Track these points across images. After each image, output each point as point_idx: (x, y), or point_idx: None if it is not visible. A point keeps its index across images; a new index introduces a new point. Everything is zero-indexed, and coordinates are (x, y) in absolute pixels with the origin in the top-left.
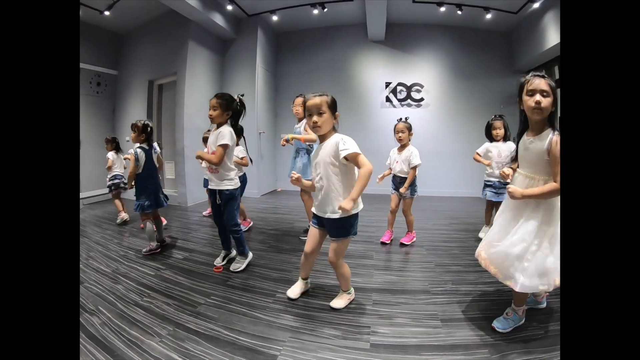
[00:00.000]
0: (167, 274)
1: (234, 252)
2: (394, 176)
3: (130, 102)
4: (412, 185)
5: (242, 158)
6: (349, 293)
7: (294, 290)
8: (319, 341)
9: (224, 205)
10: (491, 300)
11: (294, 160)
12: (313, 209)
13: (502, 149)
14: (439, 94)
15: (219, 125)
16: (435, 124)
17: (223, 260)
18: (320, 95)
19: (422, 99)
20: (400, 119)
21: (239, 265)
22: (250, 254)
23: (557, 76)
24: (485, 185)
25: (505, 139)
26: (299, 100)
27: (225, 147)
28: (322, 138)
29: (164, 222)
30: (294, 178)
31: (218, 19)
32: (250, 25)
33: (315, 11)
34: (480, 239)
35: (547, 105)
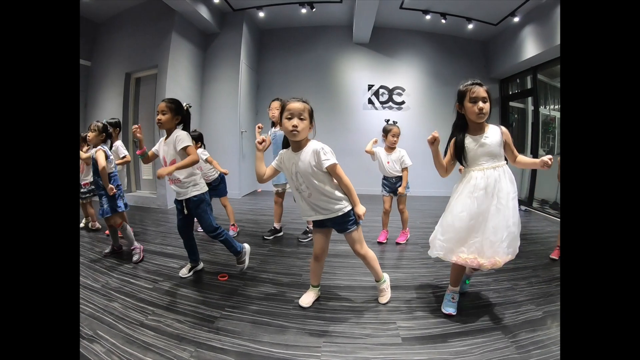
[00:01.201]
0: (168, 286)
1: (201, 265)
2: (386, 177)
3: (104, 96)
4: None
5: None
6: (385, 281)
7: (306, 299)
8: (353, 342)
9: (195, 213)
10: (491, 289)
11: None
12: (307, 218)
13: None
14: (419, 98)
15: (168, 132)
16: (415, 127)
17: (189, 272)
18: (303, 101)
19: (403, 102)
20: (394, 122)
21: (242, 264)
22: (247, 245)
23: (529, 85)
24: None
25: None
26: (277, 104)
27: (188, 147)
28: (297, 146)
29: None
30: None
31: (203, 12)
32: (236, 20)
33: (304, 10)
34: None
35: (488, 110)
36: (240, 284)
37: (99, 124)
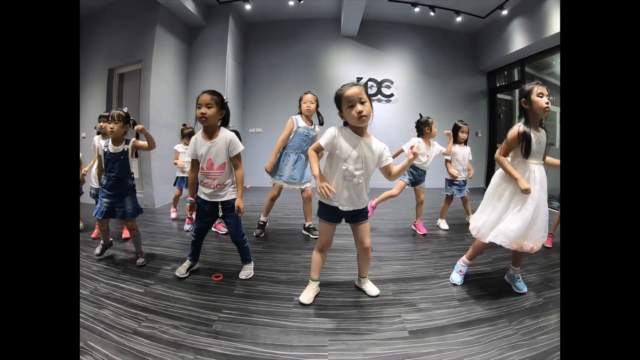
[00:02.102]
0: (160, 290)
1: (196, 266)
2: (417, 168)
3: (86, 93)
4: None
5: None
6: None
7: (307, 295)
8: (360, 338)
9: (230, 216)
10: (491, 278)
11: (297, 162)
12: (336, 204)
13: (465, 152)
14: (407, 91)
15: (210, 129)
16: (403, 119)
17: (186, 272)
18: (357, 84)
19: (391, 95)
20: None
21: (249, 272)
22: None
23: (516, 78)
24: (451, 184)
25: (465, 143)
26: (311, 97)
27: (239, 154)
28: (362, 131)
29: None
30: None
31: (188, 4)
32: (222, 13)
33: (291, 2)
34: (444, 229)
35: (550, 107)
36: (236, 284)
37: (122, 112)
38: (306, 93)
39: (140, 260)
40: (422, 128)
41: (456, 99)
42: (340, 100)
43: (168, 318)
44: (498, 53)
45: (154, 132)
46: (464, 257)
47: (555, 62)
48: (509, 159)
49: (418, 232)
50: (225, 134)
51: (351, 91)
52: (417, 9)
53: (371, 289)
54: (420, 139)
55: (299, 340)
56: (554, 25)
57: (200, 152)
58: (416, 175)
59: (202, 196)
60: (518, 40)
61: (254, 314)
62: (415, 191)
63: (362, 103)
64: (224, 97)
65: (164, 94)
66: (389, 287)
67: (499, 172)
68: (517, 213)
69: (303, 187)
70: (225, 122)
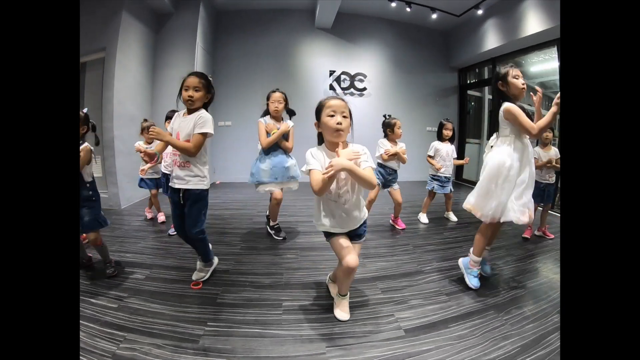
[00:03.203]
0: (136, 303)
1: (216, 260)
2: (384, 167)
3: None
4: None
5: None
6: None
7: (344, 311)
8: (357, 342)
9: (190, 207)
10: None
11: (272, 159)
12: (337, 229)
13: (449, 149)
14: (380, 85)
15: (192, 111)
16: (376, 113)
17: (207, 274)
18: (342, 99)
19: (364, 89)
20: (389, 115)
21: (203, 274)
22: (216, 259)
23: (487, 75)
24: (432, 179)
25: (451, 140)
26: (279, 95)
27: (206, 135)
28: (336, 147)
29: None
30: None
31: None
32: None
33: None
34: (423, 223)
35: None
36: (218, 291)
37: (81, 113)
38: (274, 91)
39: (110, 270)
40: (385, 129)
41: (428, 94)
42: (321, 108)
43: (149, 336)
44: (470, 51)
45: (118, 127)
46: (473, 257)
47: (525, 61)
48: (512, 136)
49: (397, 226)
50: (200, 112)
51: (336, 102)
52: (393, 4)
53: (343, 312)
54: (385, 140)
55: (295, 350)
56: (528, 26)
57: (175, 128)
58: (385, 175)
59: (172, 183)
60: (491, 40)
61: (242, 325)
62: (391, 195)
63: (344, 117)
64: (210, 77)
65: (129, 85)
66: (377, 285)
67: (496, 154)
68: (525, 189)
69: (289, 184)
70: (207, 105)
